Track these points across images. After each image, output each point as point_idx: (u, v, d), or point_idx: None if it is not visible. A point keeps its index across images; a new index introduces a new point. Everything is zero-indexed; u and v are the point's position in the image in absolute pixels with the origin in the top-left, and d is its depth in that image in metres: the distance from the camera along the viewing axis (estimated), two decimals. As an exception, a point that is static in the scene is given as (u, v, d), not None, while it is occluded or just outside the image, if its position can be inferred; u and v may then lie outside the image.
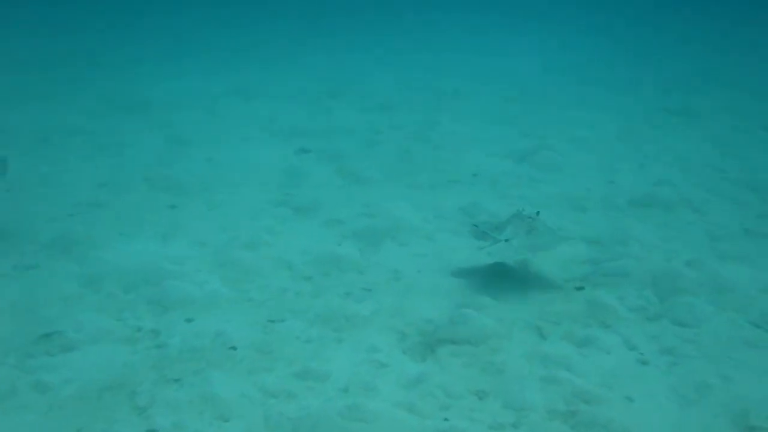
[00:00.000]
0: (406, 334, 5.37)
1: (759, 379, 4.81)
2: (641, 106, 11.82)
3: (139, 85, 12.55)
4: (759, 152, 9.68)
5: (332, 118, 11.17)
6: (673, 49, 16.60)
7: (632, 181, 8.62)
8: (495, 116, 11.38)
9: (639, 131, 10.52)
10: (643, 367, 5.00)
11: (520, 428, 4.31)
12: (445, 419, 4.36)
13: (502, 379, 4.80)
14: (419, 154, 9.53)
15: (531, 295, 6.02)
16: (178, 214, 7.41)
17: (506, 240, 6.08)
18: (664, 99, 12.21)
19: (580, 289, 6.12)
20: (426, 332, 5.37)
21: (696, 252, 6.73)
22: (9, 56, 14.44)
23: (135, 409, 4.31)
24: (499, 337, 5.31)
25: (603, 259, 6.59)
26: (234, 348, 5.02)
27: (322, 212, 7.64)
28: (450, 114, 11.31)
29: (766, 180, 8.49)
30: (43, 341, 4.97)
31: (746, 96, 12.39)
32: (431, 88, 12.94)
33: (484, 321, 5.43)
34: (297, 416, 4.32)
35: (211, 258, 6.42)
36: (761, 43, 17.14)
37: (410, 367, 4.96)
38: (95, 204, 7.57)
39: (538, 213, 6.33)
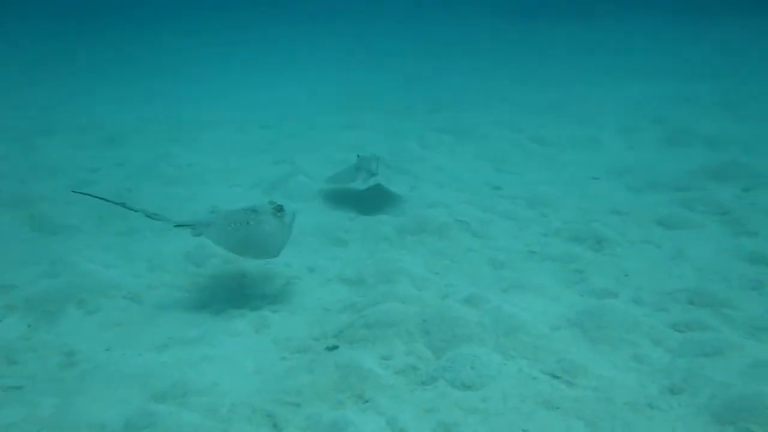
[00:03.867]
0: (55, 459, 3.43)
1: (566, 457, 3.43)
2: (412, 127, 10.70)
3: None
4: (533, 166, 8.80)
5: (36, 157, 8.86)
6: (444, 71, 15.94)
7: (401, 206, 7.25)
8: (246, 144, 9.71)
9: (409, 151, 9.29)
10: (413, 460, 3.45)
11: None
12: None
13: None
14: (144, 192, 7.60)
15: (265, 366, 4.33)
16: None
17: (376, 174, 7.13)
18: (435, 119, 11.20)
19: (333, 349, 4.54)
20: (88, 451, 3.46)
21: (477, 284, 5.41)
22: None
23: None
24: (205, 442, 3.53)
25: (365, 304, 5.05)
26: None
27: (-12, 276, 5.48)
28: (190, 145, 9.49)
29: (545, 195, 7.49)
30: None
31: (516, 111, 11.74)
32: (172, 120, 11.00)
33: (186, 417, 3.63)
34: None
35: None
36: (528, 60, 17.00)
37: None
38: None
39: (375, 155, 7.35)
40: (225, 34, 22.71)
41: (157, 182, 7.94)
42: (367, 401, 3.95)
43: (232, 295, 5.34)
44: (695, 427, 3.67)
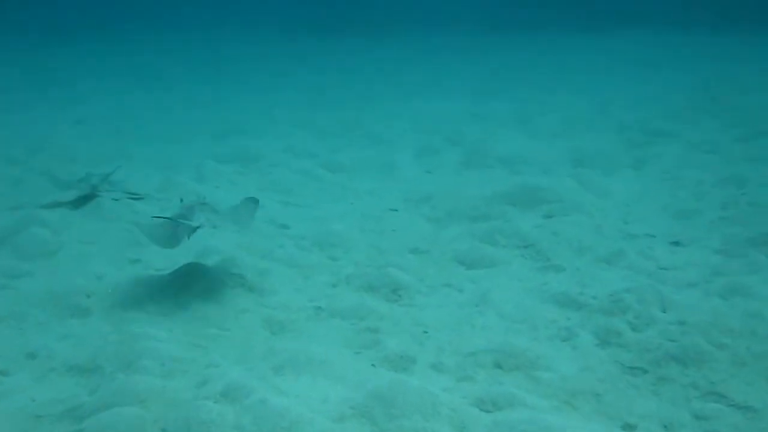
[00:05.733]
0: None
1: None
2: (189, 157, 9.40)
3: None
4: (326, 198, 7.93)
5: None
6: (230, 93, 14.67)
7: (165, 256, 5.98)
8: None
9: (183, 186, 7.98)
10: None
11: None
12: None
13: None
14: None
15: None
16: None
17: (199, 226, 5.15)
18: (217, 147, 9.96)
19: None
20: None
21: (245, 361, 4.35)
22: None
23: None
24: None
25: (93, 407, 3.79)
26: None
27: None
28: None
29: (336, 233, 6.54)
30: None
31: (309, 135, 10.81)
32: None
33: None
34: None
35: None
36: (321, 80, 16.09)
37: None
38: None
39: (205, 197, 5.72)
40: None
41: None
42: None
43: None
44: None
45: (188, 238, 5.16)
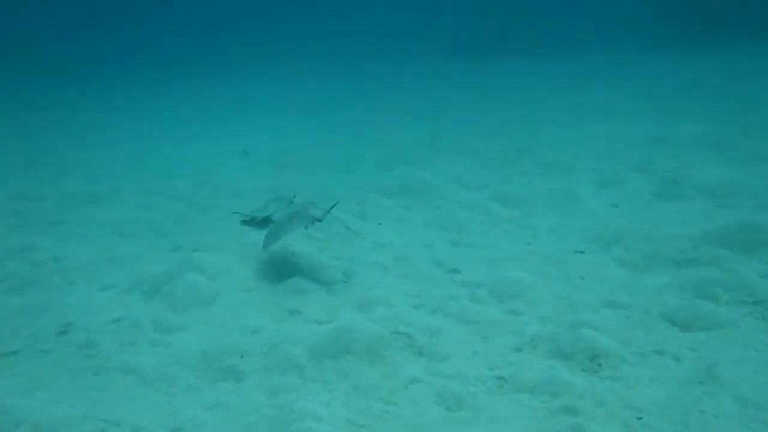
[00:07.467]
0: None
1: None
2: (352, 190, 8.85)
3: None
4: (499, 236, 7.04)
5: None
6: (390, 121, 14.15)
7: (325, 307, 5.37)
8: (144, 224, 7.61)
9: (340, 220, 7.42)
10: None
11: None
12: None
13: None
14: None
15: None
16: None
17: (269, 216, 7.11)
18: (381, 178, 9.32)
19: None
20: None
21: None
22: None
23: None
24: None
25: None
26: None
27: None
28: (67, 230, 7.52)
29: (515, 280, 5.65)
30: None
31: (476, 163, 9.94)
32: (61, 193, 8.98)
33: None
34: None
35: None
36: (483, 103, 15.21)
37: None
38: None
39: (294, 196, 6.43)
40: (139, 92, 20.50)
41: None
42: None
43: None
44: None
45: (306, 228, 5.82)
